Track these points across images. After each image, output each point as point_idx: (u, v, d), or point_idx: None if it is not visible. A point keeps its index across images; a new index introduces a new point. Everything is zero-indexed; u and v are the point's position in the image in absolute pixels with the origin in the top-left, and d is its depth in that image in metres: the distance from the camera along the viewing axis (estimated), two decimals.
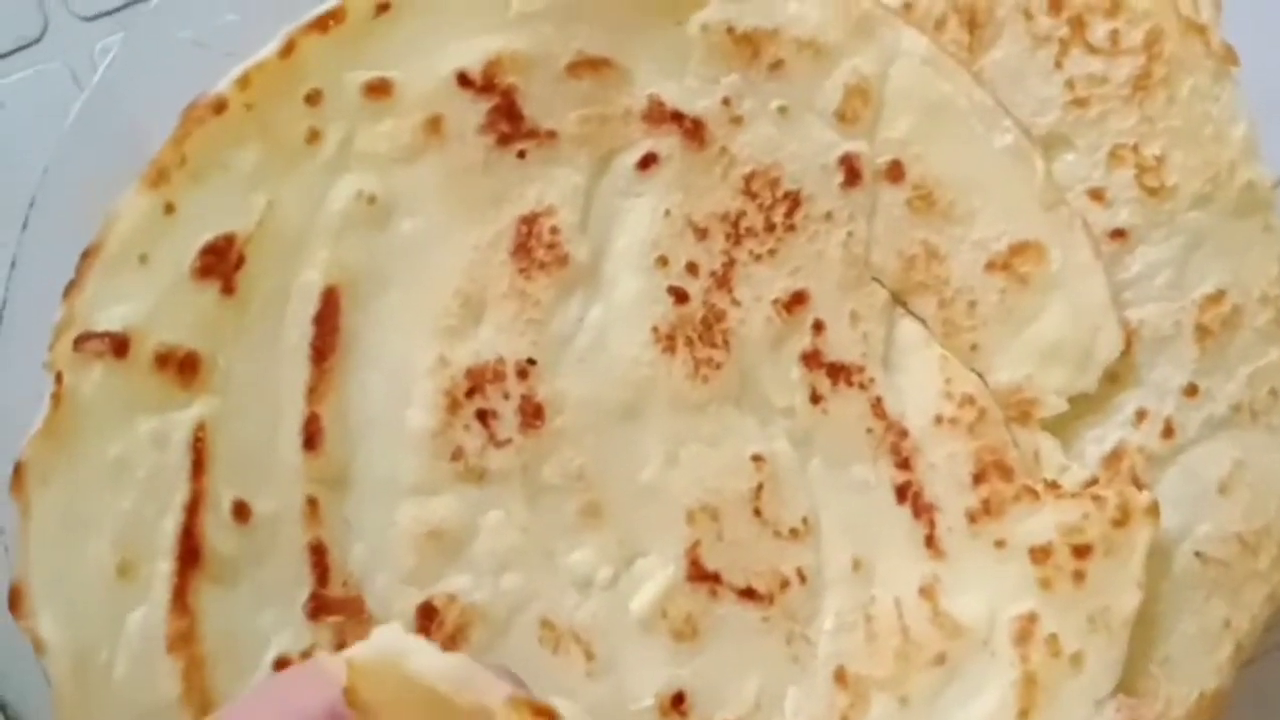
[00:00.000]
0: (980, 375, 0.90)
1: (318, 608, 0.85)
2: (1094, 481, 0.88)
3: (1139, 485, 0.88)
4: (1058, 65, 0.91)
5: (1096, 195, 0.91)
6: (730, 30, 0.88)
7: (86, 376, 0.82)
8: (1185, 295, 0.91)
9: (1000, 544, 0.88)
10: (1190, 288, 0.91)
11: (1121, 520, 0.87)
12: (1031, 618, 0.86)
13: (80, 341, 0.82)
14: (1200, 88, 0.91)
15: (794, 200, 0.89)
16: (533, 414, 0.87)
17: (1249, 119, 0.91)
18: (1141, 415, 0.90)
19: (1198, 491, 0.90)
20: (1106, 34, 0.91)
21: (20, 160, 0.92)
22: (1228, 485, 0.90)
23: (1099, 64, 0.91)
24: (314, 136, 0.86)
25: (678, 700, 0.86)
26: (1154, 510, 0.87)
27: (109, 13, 0.95)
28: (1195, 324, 0.91)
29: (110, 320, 0.82)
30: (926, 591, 0.87)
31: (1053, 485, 0.88)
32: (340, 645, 0.83)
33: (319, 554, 0.85)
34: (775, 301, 0.89)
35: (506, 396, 0.87)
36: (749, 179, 0.89)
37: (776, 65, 0.89)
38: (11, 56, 0.94)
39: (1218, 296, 0.91)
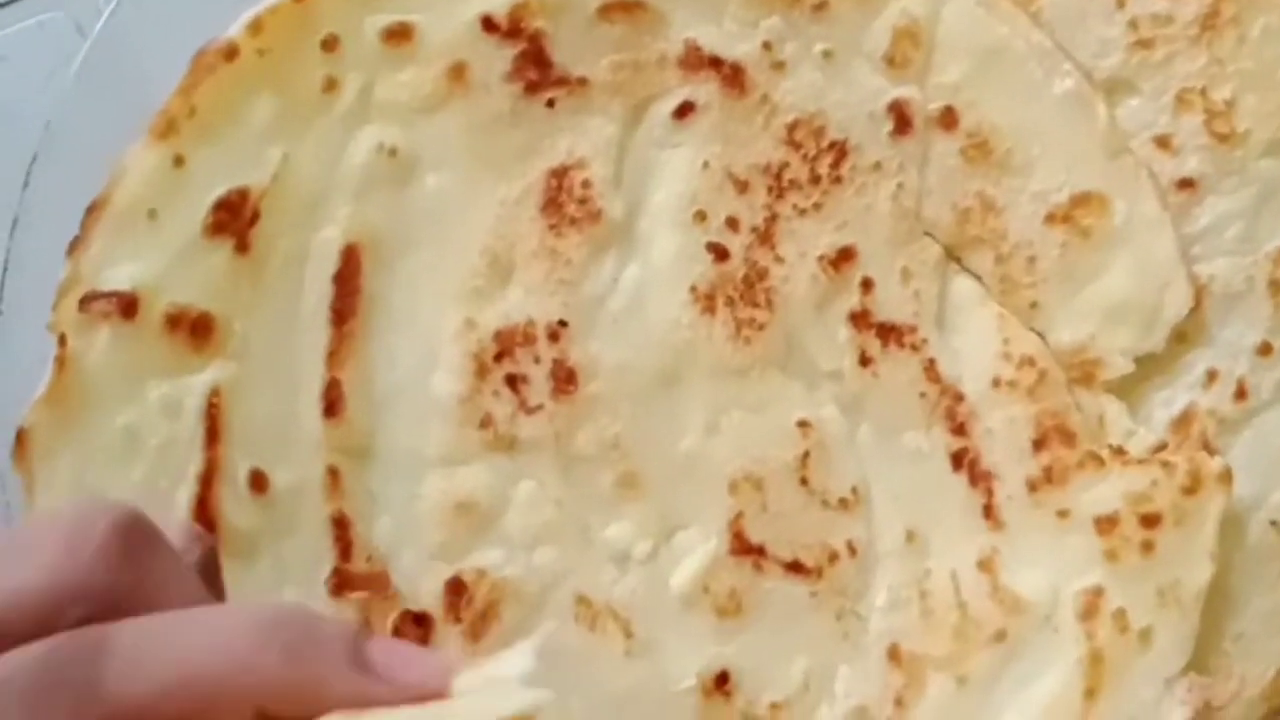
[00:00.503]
0: (1040, 335, 0.85)
1: (341, 584, 0.80)
2: (1162, 446, 0.84)
3: (1210, 451, 0.84)
4: (1120, 4, 0.87)
5: (1163, 143, 0.86)
6: None
7: (93, 339, 0.78)
8: (1258, 248, 0.86)
9: (1063, 514, 0.83)
10: (1263, 240, 0.86)
11: (1192, 488, 0.82)
12: (1097, 592, 0.82)
13: (86, 302, 0.77)
14: (1273, 27, 0.87)
15: (840, 150, 0.84)
16: (565, 379, 0.82)
17: None
18: (1212, 376, 0.85)
19: (1273, 456, 0.85)
20: None
21: (22, 116, 0.88)
22: None
23: (1164, 3, 0.87)
24: (331, 85, 0.81)
25: (721, 680, 0.81)
26: (1226, 477, 0.82)
27: None
28: (1269, 279, 0.86)
29: (118, 279, 0.78)
30: (985, 565, 0.82)
31: (1118, 451, 0.83)
32: (365, 622, 0.78)
33: (342, 527, 0.80)
34: (821, 258, 0.84)
35: (537, 360, 0.82)
36: (792, 128, 0.84)
37: (820, 6, 0.84)
38: (11, 6, 0.90)
39: None
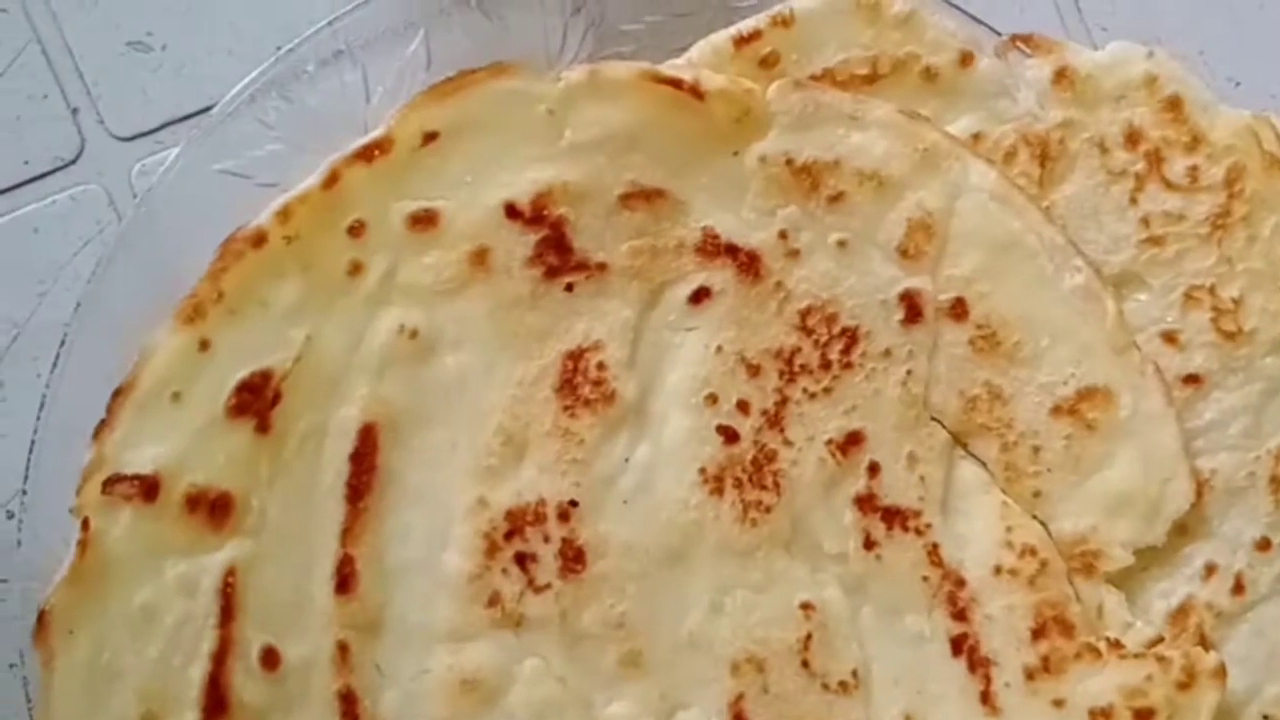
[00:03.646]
0: (1043, 524, 0.86)
1: None
2: (1159, 640, 0.85)
3: (1206, 645, 0.85)
4: (1132, 201, 0.88)
5: (1170, 338, 0.87)
6: (789, 162, 0.85)
7: (115, 521, 0.80)
8: (1261, 445, 0.87)
9: (1059, 703, 0.84)
10: (1266, 437, 0.87)
11: (1187, 683, 0.84)
12: None
13: (109, 484, 0.80)
14: None
15: (851, 337, 0.85)
16: (574, 558, 0.84)
17: None
18: (1211, 569, 0.87)
19: (1268, 651, 0.87)
20: (1185, 170, 0.87)
21: (55, 287, 0.89)
22: None
23: (1176, 201, 0.87)
24: (356, 269, 0.83)
25: None
26: (1220, 673, 0.84)
27: (147, 133, 0.92)
28: (1270, 475, 0.87)
29: (141, 462, 0.80)
30: None
31: (1115, 644, 0.84)
32: None
33: (349, 702, 0.83)
34: (829, 442, 0.85)
35: (547, 539, 0.84)
36: (805, 314, 0.86)
37: (837, 198, 0.85)
38: (47, 178, 0.92)
39: None
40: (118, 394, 0.80)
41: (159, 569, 0.81)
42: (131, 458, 0.80)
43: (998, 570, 0.86)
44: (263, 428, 0.82)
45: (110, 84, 0.92)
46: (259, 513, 0.82)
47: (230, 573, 0.81)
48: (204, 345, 0.81)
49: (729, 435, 0.85)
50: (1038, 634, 0.85)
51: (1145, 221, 0.88)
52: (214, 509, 0.81)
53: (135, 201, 0.87)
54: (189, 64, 0.92)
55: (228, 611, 0.81)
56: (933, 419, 0.86)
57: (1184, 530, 0.87)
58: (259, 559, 0.82)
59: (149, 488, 0.80)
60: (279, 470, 0.83)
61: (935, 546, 0.86)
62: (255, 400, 0.82)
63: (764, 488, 0.85)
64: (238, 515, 0.82)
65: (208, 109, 0.89)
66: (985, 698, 0.85)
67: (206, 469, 0.81)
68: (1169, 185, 0.87)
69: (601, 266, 0.85)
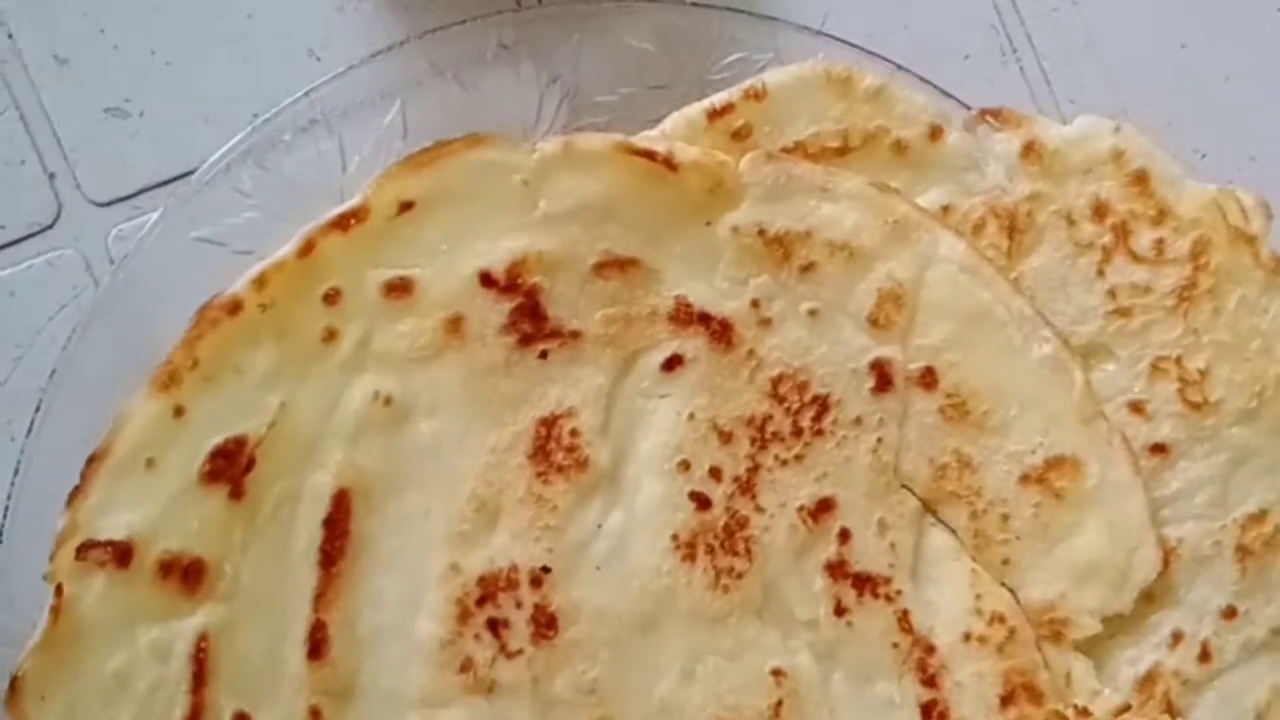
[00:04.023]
0: (1012, 591, 0.87)
1: None
2: (1126, 708, 0.86)
3: (1173, 712, 0.86)
4: (1100, 273, 0.89)
5: (1137, 408, 0.88)
6: (762, 232, 0.86)
7: (88, 587, 0.80)
8: (1227, 514, 0.88)
9: None
10: (1232, 506, 0.88)
11: None
12: None
13: (83, 551, 0.80)
14: (1248, 300, 0.89)
15: (823, 404, 0.86)
16: (546, 624, 0.84)
17: None
18: (1178, 637, 0.87)
19: (1234, 718, 0.87)
20: (1151, 242, 0.88)
21: (30, 351, 0.90)
22: (1266, 713, 0.88)
23: (1143, 273, 0.89)
24: (331, 336, 0.84)
25: None
26: None
27: (124, 198, 0.93)
28: (1236, 544, 0.88)
29: (114, 528, 0.81)
30: None
31: (1084, 711, 0.85)
32: None
33: None
34: (800, 509, 0.86)
35: (519, 605, 0.84)
36: (777, 382, 0.87)
37: (808, 268, 0.86)
38: (24, 243, 0.92)
39: (1260, 516, 0.88)
40: (92, 460, 0.80)
41: (132, 635, 0.81)
42: (105, 524, 0.81)
43: (967, 637, 0.86)
44: (236, 494, 0.82)
45: (88, 149, 0.92)
46: (232, 578, 0.82)
47: (203, 638, 0.81)
48: (179, 412, 0.82)
49: (701, 502, 0.86)
50: (1007, 701, 0.85)
51: (1112, 293, 0.89)
52: (187, 575, 0.81)
53: (112, 267, 0.87)
54: (166, 130, 0.92)
55: (200, 677, 0.81)
56: (903, 486, 0.87)
57: (1151, 598, 0.88)
58: (232, 625, 0.82)
59: (122, 554, 0.80)
60: (252, 536, 0.83)
61: (905, 613, 0.86)
62: (229, 466, 0.82)
63: (736, 554, 0.86)
64: (211, 581, 0.82)
65: (185, 175, 0.90)
66: None
67: (180, 535, 0.81)
68: (1136, 258, 0.89)
69: (575, 334, 0.86)
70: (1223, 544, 0.88)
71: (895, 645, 0.86)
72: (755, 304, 0.87)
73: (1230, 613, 0.87)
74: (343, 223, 0.83)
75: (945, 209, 0.89)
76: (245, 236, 0.85)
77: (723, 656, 0.86)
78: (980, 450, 0.87)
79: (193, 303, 0.82)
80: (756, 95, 0.87)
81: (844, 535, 0.86)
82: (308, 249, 0.83)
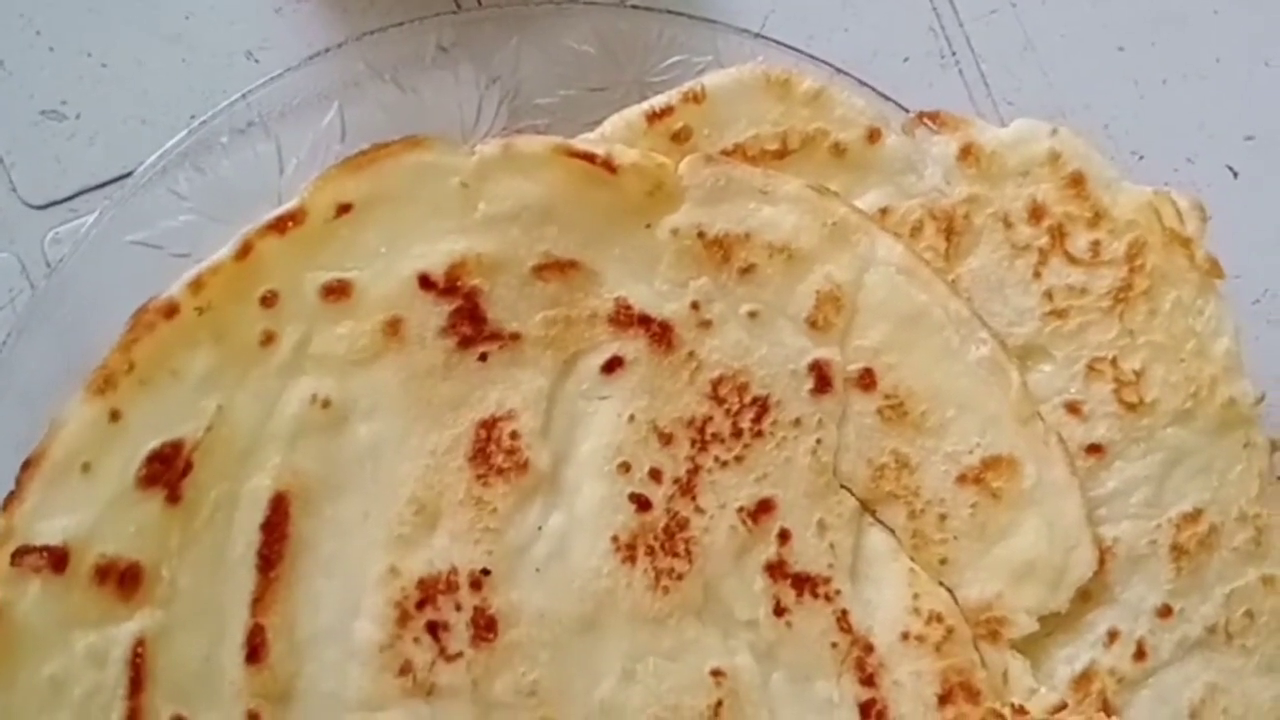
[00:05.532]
0: (950, 591, 0.87)
1: None
2: (1063, 706, 0.86)
3: (1108, 710, 0.86)
4: (1036, 275, 0.89)
5: (1073, 408, 0.89)
6: (701, 234, 0.86)
7: (23, 593, 0.80)
8: (1162, 513, 0.89)
9: None
10: (1168, 506, 0.89)
11: None
12: None
13: (18, 556, 0.79)
14: (1184, 301, 0.89)
15: (762, 406, 0.86)
16: (485, 627, 0.84)
17: (1232, 333, 0.89)
18: (1114, 635, 0.88)
19: (1169, 716, 0.88)
20: (1088, 244, 0.89)
21: None
22: (1200, 710, 0.88)
23: (1079, 275, 0.89)
24: (269, 339, 0.83)
25: None
26: None
27: (60, 201, 0.92)
28: (1171, 543, 0.89)
29: (50, 533, 0.80)
30: None
31: (1020, 710, 0.86)
32: None
33: None
34: (740, 510, 0.86)
35: (459, 608, 0.84)
36: (717, 384, 0.87)
37: (748, 270, 0.87)
38: None
39: (1195, 515, 0.89)
40: (28, 465, 0.80)
41: (68, 640, 0.80)
42: (41, 529, 0.80)
43: (905, 636, 0.87)
44: (173, 498, 0.82)
45: (24, 152, 0.92)
46: (169, 583, 0.82)
47: (140, 643, 0.81)
48: (115, 416, 0.81)
49: (641, 503, 0.86)
50: (944, 699, 0.86)
51: (1049, 295, 0.89)
52: (123, 579, 0.81)
53: (48, 271, 0.86)
54: (103, 132, 0.92)
55: (137, 682, 0.81)
56: (842, 487, 0.88)
57: (1087, 597, 0.88)
58: (169, 629, 0.82)
59: (58, 559, 0.80)
60: (190, 540, 0.83)
61: (844, 613, 0.87)
62: (166, 470, 0.82)
63: (676, 555, 0.86)
64: (148, 585, 0.82)
65: (122, 177, 0.89)
66: None
67: (116, 540, 0.81)
68: (1072, 260, 0.89)
69: (515, 336, 0.86)
70: (1158, 543, 0.88)
71: (834, 645, 0.86)
72: (695, 306, 0.87)
73: (1165, 611, 0.88)
74: (280, 225, 0.83)
75: (883, 211, 0.89)
76: (182, 239, 0.84)
77: (663, 657, 0.86)
78: (918, 451, 0.87)
79: (129, 306, 0.81)
80: (696, 98, 0.87)
81: (784, 536, 0.87)
82: (245, 251, 0.83)
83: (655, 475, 0.86)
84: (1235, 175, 1.00)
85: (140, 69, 0.92)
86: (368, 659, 0.84)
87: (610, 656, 0.86)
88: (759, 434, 0.87)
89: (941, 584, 0.87)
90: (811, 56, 0.89)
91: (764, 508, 0.87)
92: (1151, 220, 0.89)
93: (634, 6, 0.89)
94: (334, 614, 0.84)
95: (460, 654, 0.84)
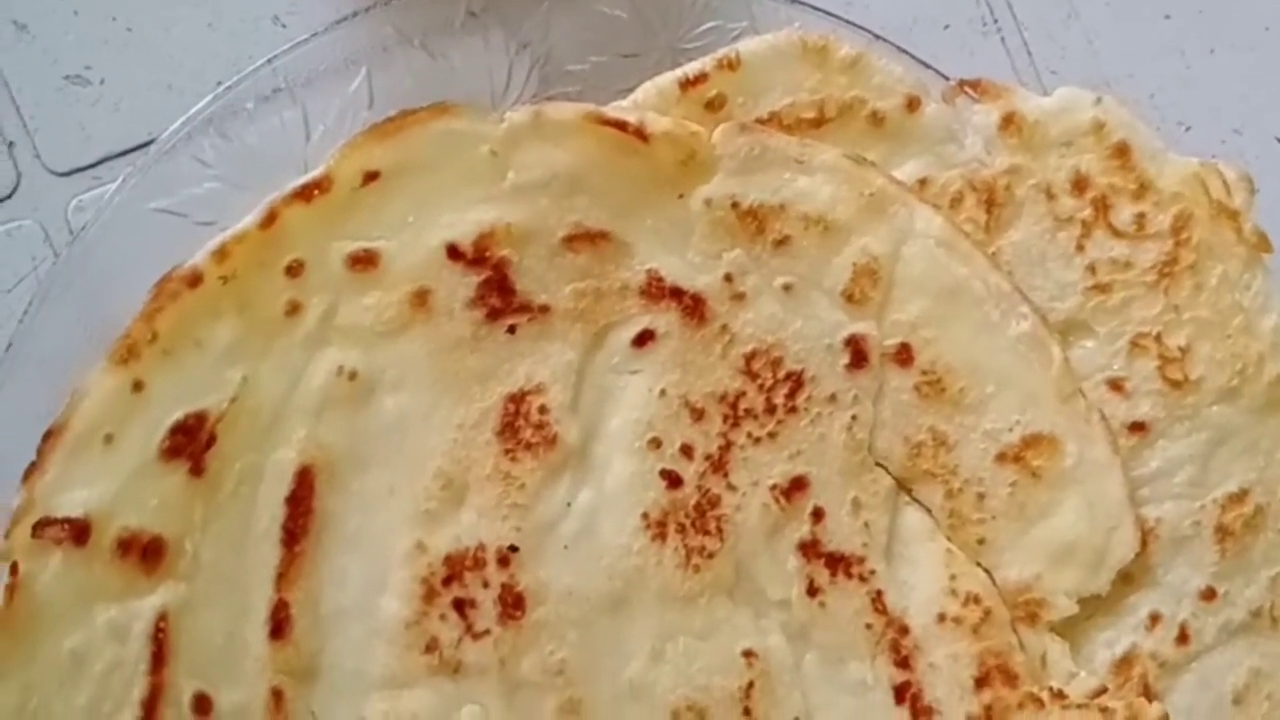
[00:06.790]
0: (988, 572, 0.86)
1: None
2: (1102, 690, 0.84)
3: (1149, 695, 0.85)
4: (1079, 248, 0.87)
5: (1116, 386, 0.87)
6: (735, 205, 0.84)
7: (44, 565, 0.79)
8: (1206, 494, 0.87)
9: None
10: (1212, 486, 0.87)
11: None
12: None
13: (39, 528, 0.78)
14: (1230, 276, 0.87)
15: (796, 381, 0.85)
16: (513, 604, 0.83)
17: None
18: (1155, 619, 0.86)
19: (1212, 701, 0.86)
20: (1132, 217, 0.87)
21: None
22: (1244, 695, 0.87)
23: (1123, 248, 0.87)
24: (294, 309, 0.82)
25: None
26: None
27: (84, 168, 0.91)
28: (1216, 524, 0.87)
29: (72, 505, 0.79)
30: None
31: (1059, 694, 0.84)
32: None
33: None
34: (773, 487, 0.85)
35: (486, 585, 0.83)
36: (750, 358, 0.85)
37: (782, 241, 0.85)
38: None
39: (1241, 496, 0.87)
40: (49, 436, 0.79)
41: (89, 614, 0.80)
42: (62, 501, 0.79)
43: (941, 618, 0.85)
44: (197, 470, 0.81)
45: (47, 118, 0.90)
46: (192, 557, 0.81)
47: (162, 618, 0.80)
48: (138, 386, 0.80)
49: (672, 480, 0.84)
50: (981, 683, 0.84)
51: (1092, 269, 0.87)
52: (146, 553, 0.80)
53: (70, 239, 0.85)
54: (127, 98, 0.91)
55: (159, 657, 0.80)
56: (877, 465, 0.86)
57: (1129, 579, 0.86)
58: (192, 604, 0.81)
59: (79, 531, 0.79)
60: (213, 513, 0.82)
61: (879, 593, 0.85)
62: (189, 442, 0.81)
63: (707, 533, 0.85)
64: (170, 559, 0.80)
65: (146, 144, 0.88)
66: None
67: (139, 512, 0.80)
68: (1116, 232, 0.87)
69: (544, 309, 0.84)
70: (1202, 524, 0.87)
71: (869, 626, 0.85)
72: (728, 278, 0.85)
73: (1209, 594, 0.86)
74: (306, 193, 0.82)
75: (922, 182, 0.87)
76: (206, 207, 0.83)
77: (693, 637, 0.85)
78: (956, 428, 0.86)
79: (153, 275, 0.80)
80: (730, 65, 0.86)
81: (817, 514, 0.85)
82: (270, 220, 0.81)
83: (686, 451, 0.85)
84: None
85: (166, 34, 0.91)
86: (393, 636, 0.83)
87: (639, 636, 0.85)
88: (793, 410, 0.85)
89: (979, 565, 0.86)
90: (849, 22, 0.87)
91: (797, 485, 0.85)
92: (1198, 192, 0.87)
93: None
94: (359, 590, 0.83)
95: (487, 632, 0.83)
